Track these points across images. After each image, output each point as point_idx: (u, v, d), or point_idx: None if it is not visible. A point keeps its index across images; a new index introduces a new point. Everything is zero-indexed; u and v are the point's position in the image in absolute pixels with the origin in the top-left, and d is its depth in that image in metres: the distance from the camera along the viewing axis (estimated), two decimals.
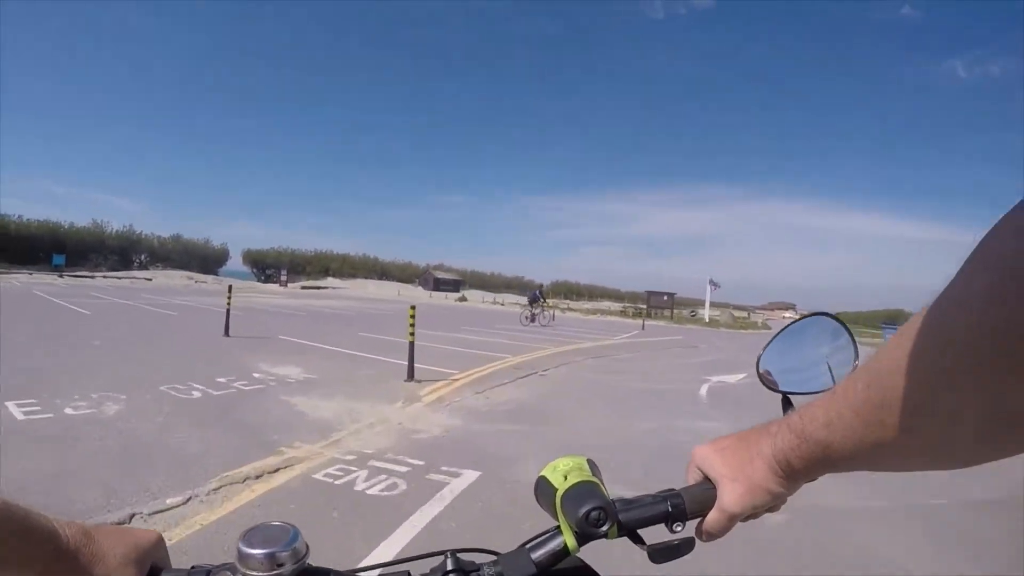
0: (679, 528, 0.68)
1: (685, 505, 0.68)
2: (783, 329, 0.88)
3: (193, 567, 0.64)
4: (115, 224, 72.26)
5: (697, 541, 0.68)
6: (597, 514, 0.62)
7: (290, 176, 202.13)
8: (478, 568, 0.67)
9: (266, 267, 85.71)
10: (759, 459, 0.62)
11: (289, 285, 67.16)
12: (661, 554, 0.66)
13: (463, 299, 63.20)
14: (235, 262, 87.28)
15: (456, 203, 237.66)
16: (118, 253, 70.46)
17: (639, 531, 0.67)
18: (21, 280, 41.68)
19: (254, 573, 0.57)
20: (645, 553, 0.65)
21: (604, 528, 0.63)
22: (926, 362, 0.45)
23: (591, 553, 0.67)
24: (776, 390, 0.81)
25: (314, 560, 0.62)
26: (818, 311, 0.87)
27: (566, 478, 0.66)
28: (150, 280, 54.13)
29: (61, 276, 47.82)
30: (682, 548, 0.66)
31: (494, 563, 0.67)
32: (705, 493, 0.67)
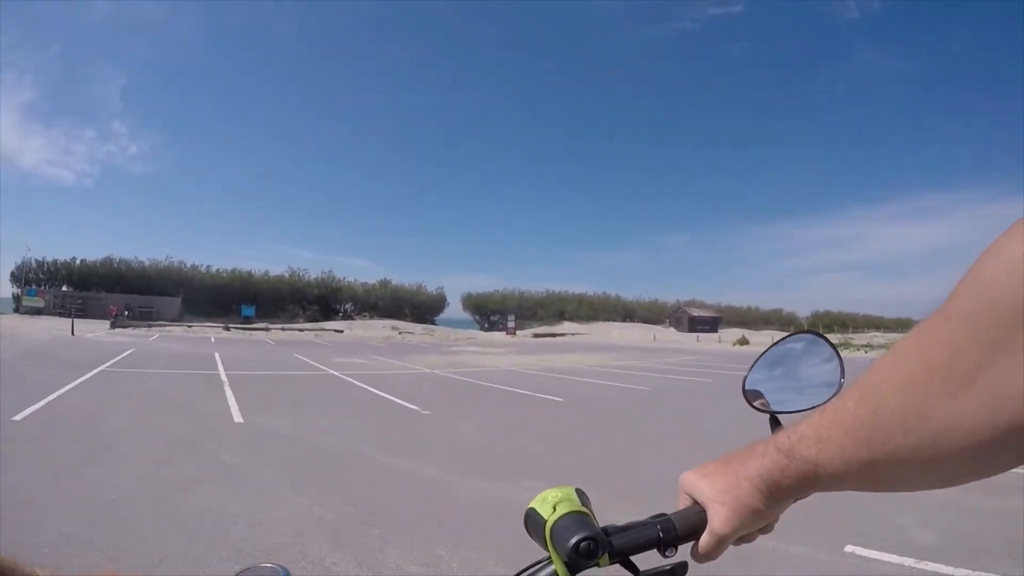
0: (671, 553, 0.67)
1: (676, 529, 0.67)
2: (769, 348, 0.89)
3: None
4: (313, 272, 68.08)
5: (690, 564, 0.68)
6: (587, 544, 0.62)
7: (510, 226, 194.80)
8: None
9: (490, 313, 73.97)
10: (746, 481, 0.62)
11: (518, 333, 55.27)
12: None
13: (743, 342, 46.45)
14: (454, 309, 77.25)
15: (675, 242, 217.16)
16: (317, 302, 64.28)
17: (631, 558, 0.67)
18: (172, 332, 34.27)
19: None
20: None
21: (594, 558, 0.62)
22: (916, 375, 0.46)
23: None
24: (763, 410, 0.81)
25: None
26: (805, 330, 0.89)
27: (555, 508, 0.65)
28: (340, 332, 44.99)
29: (227, 329, 40.44)
30: (676, 572, 0.66)
31: None
32: (696, 516, 0.67)
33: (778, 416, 0.77)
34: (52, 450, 6.20)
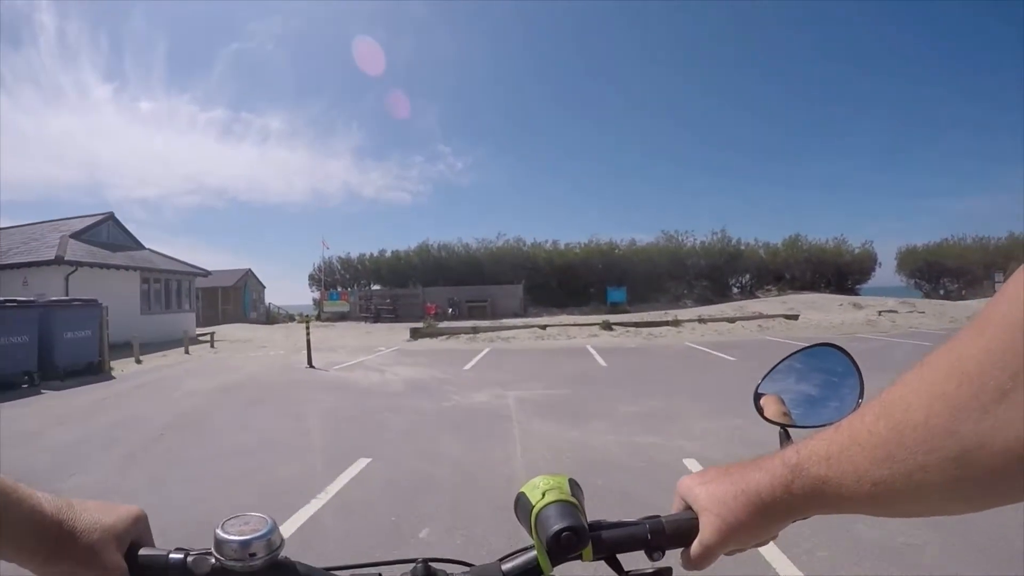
0: (658, 557, 0.68)
1: (665, 533, 0.67)
2: (785, 359, 0.87)
3: (174, 548, 0.65)
4: (699, 235, 48.41)
5: (677, 571, 0.68)
6: (568, 535, 0.62)
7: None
8: None
9: (941, 275, 48.29)
10: (743, 496, 0.59)
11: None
12: None
13: None
14: (882, 274, 52.71)
15: None
16: (707, 276, 45.84)
17: (618, 556, 0.68)
18: (513, 342, 18.74)
19: (228, 560, 0.60)
20: None
21: (575, 551, 0.63)
22: (944, 388, 0.43)
23: (567, 572, 0.67)
24: (774, 422, 0.80)
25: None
26: (824, 341, 0.85)
27: (543, 496, 0.66)
28: (793, 318, 25.93)
29: (609, 327, 24.08)
30: None
31: (465, 574, 0.70)
32: (687, 523, 0.66)
33: (789, 431, 0.75)
34: None
